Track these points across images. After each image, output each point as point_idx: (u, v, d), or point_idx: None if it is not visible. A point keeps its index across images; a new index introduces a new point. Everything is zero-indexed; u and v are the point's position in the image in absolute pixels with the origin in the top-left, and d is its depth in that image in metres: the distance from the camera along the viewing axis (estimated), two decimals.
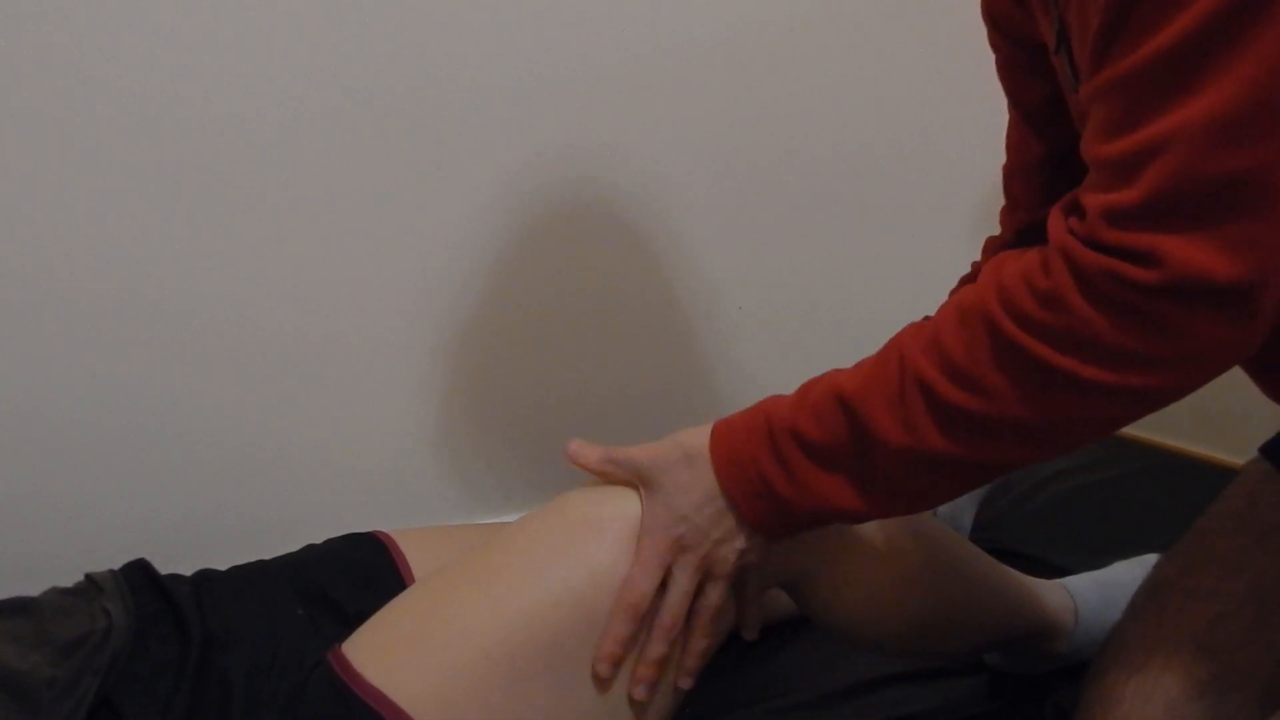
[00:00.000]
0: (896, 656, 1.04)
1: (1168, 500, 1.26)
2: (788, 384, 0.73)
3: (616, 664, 0.72)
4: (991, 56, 0.95)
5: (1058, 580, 1.00)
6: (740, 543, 0.72)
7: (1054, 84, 0.82)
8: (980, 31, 0.91)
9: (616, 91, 1.32)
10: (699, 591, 0.74)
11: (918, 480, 0.68)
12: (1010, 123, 0.97)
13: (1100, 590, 0.98)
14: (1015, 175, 0.99)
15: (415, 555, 0.92)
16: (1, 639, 0.71)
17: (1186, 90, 0.54)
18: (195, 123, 1.14)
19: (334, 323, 1.27)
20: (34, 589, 0.80)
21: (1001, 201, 1.02)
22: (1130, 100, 0.57)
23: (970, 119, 1.43)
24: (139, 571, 0.83)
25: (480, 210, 1.31)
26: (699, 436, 0.73)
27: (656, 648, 0.73)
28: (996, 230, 1.04)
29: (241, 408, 1.24)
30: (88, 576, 0.82)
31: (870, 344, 0.71)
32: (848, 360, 0.72)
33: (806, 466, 0.69)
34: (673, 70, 1.35)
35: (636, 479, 0.75)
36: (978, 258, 1.03)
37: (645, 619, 0.72)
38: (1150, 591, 0.81)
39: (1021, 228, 0.98)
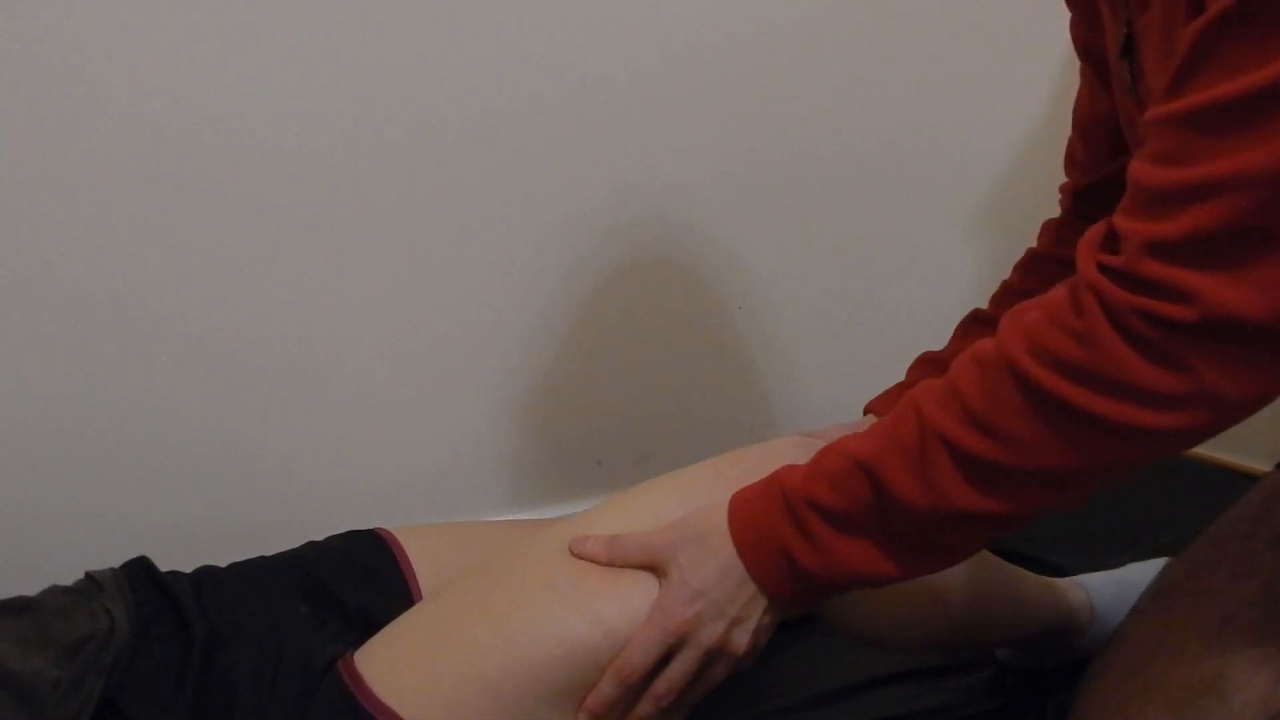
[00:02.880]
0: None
1: (1169, 501, 1.26)
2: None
3: None
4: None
5: (1073, 579, 1.00)
6: (755, 622, 0.72)
7: None
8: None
9: (621, 97, 1.32)
10: (704, 664, 0.73)
11: (945, 537, 0.68)
12: (1081, 79, 0.95)
13: (1116, 589, 0.99)
14: (1080, 135, 0.97)
15: (417, 552, 0.91)
16: (4, 641, 0.71)
17: (1252, 139, 0.54)
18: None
19: (341, 326, 1.26)
20: (34, 590, 0.79)
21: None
22: (1192, 135, 0.57)
23: (977, 121, 1.43)
24: (139, 569, 0.82)
25: (482, 214, 1.30)
26: (710, 516, 0.73)
27: (645, 709, 0.73)
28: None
29: (245, 413, 1.23)
30: (88, 575, 0.82)
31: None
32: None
33: (829, 535, 0.68)
34: (685, 75, 1.34)
35: (649, 561, 0.74)
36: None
37: (636, 687, 0.72)
38: (1156, 594, 0.81)
39: (1080, 188, 0.97)
